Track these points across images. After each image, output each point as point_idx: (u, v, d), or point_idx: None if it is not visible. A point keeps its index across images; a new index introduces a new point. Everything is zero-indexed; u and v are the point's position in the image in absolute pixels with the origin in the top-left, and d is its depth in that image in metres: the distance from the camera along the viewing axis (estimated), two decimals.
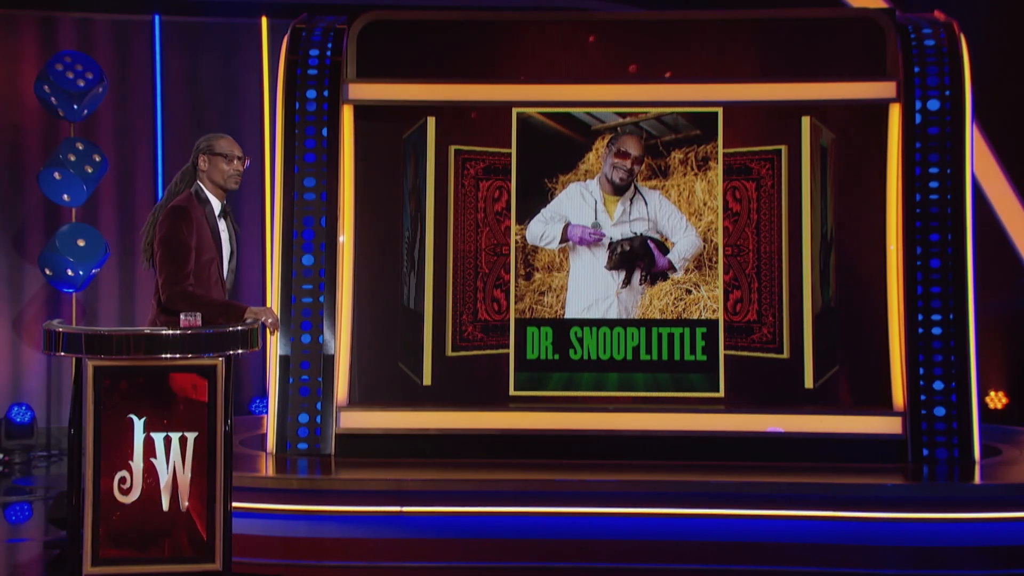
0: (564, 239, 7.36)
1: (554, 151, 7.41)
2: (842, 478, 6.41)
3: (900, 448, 6.91)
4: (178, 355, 4.68)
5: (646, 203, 7.26)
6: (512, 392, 7.29)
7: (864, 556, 6.11)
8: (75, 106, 9.00)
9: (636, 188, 7.33)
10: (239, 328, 4.79)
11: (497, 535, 6.19)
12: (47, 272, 8.98)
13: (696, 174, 7.34)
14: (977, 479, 6.62)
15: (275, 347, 7.04)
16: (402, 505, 6.21)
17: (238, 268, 5.70)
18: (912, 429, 6.90)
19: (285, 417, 7.02)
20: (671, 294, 7.26)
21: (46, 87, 8.98)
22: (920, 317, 6.97)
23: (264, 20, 9.76)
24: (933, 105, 7.09)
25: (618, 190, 7.34)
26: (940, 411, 6.90)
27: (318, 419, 7.02)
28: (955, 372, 6.93)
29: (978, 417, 6.93)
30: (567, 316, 7.33)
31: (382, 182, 7.50)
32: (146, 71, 9.80)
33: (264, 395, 9.00)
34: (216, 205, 5.38)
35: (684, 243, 7.29)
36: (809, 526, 6.15)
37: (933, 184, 7.04)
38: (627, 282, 7.27)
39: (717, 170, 7.32)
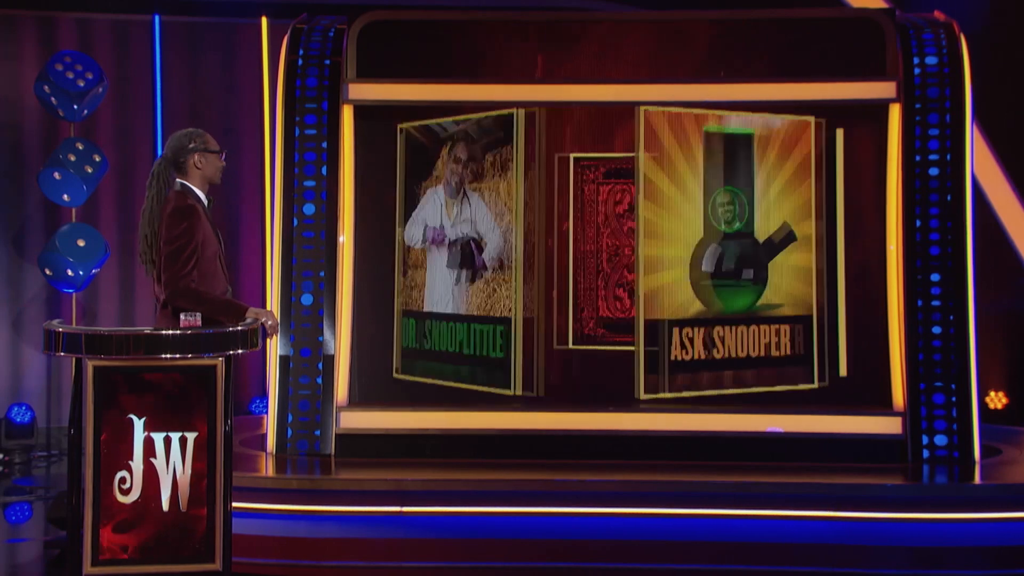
0: (424, 240, 7.51)
1: (418, 159, 7.56)
2: (842, 478, 6.42)
3: (900, 448, 6.91)
4: (178, 355, 4.68)
5: (470, 205, 7.39)
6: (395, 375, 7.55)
7: (864, 556, 6.11)
8: (75, 106, 8.99)
9: (464, 191, 7.42)
10: (239, 328, 4.80)
11: (497, 535, 6.19)
12: (47, 272, 8.97)
13: (501, 176, 7.36)
14: (977, 479, 6.62)
15: (275, 347, 7.04)
16: (402, 505, 6.22)
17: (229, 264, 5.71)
18: (912, 429, 6.90)
19: (285, 417, 7.02)
20: (483, 291, 7.35)
21: (46, 87, 8.97)
22: (920, 317, 6.98)
23: (264, 20, 9.75)
24: (933, 105, 7.10)
25: (454, 193, 7.45)
26: (940, 411, 6.90)
27: (318, 419, 7.02)
28: (955, 372, 6.93)
29: (978, 417, 6.93)
30: (425, 310, 7.55)
31: (382, 182, 7.50)
32: (146, 71, 9.79)
33: (264, 395, 9.00)
34: (205, 201, 5.40)
35: (493, 243, 7.36)
36: (809, 526, 6.15)
37: (933, 184, 7.05)
38: (458, 279, 7.41)
39: (516, 172, 7.34)
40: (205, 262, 5.26)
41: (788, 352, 7.36)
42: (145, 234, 5.33)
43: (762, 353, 7.33)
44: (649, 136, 7.30)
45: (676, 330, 7.21)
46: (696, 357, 7.26)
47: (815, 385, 7.29)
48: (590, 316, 7.64)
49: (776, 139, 7.38)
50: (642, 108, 7.24)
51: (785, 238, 7.35)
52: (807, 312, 7.33)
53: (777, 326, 7.36)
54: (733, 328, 7.32)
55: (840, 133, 7.40)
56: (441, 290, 7.51)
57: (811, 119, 7.36)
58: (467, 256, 7.45)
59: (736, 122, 7.37)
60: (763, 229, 7.39)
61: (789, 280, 7.36)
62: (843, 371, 7.28)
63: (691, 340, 7.26)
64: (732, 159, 7.38)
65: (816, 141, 7.34)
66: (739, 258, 7.37)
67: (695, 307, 7.29)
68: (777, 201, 7.37)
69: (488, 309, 7.36)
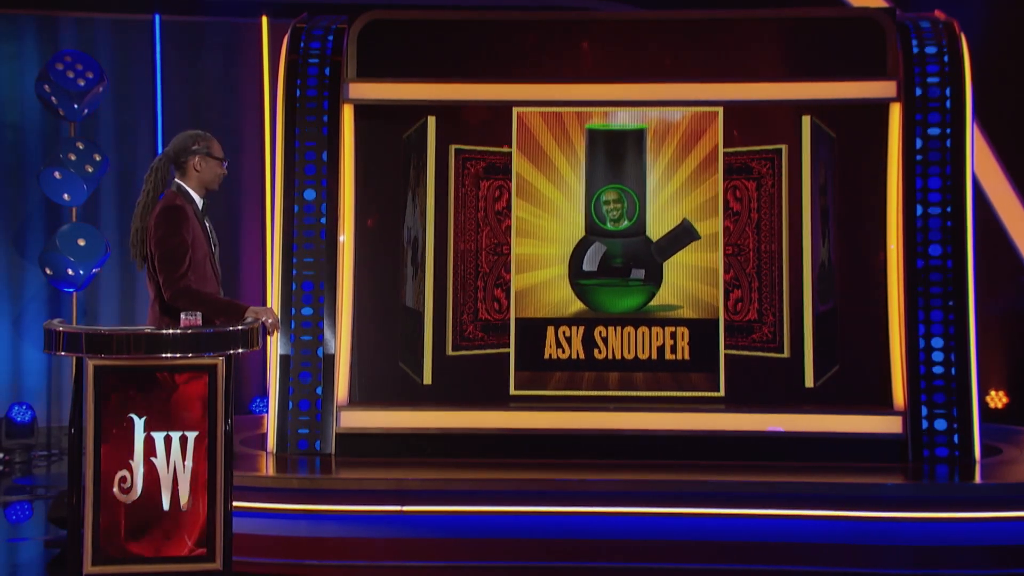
0: None
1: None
2: (842, 478, 6.41)
3: (900, 448, 6.91)
4: (178, 354, 4.68)
5: None
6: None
7: (864, 556, 6.11)
8: (75, 106, 9.00)
9: None
10: (239, 328, 4.79)
11: (497, 535, 6.19)
12: (47, 271, 8.98)
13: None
14: (977, 479, 6.62)
15: (275, 347, 7.04)
16: (402, 505, 6.21)
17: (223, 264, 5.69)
18: (912, 429, 6.90)
19: (285, 417, 7.02)
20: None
21: (46, 87, 8.98)
22: (920, 317, 6.97)
23: (264, 20, 9.75)
24: (933, 105, 7.10)
25: None
26: (940, 411, 6.90)
27: (318, 419, 7.02)
28: (955, 372, 6.93)
29: (978, 417, 6.93)
30: None
31: (382, 182, 7.50)
32: (146, 71, 9.79)
33: (264, 395, 9.00)
34: (199, 203, 5.38)
35: None
36: (809, 526, 6.15)
37: (933, 184, 7.05)
38: None
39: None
40: (194, 264, 5.24)
41: (686, 356, 7.31)
42: (136, 228, 5.34)
43: (653, 356, 7.32)
44: (525, 135, 7.33)
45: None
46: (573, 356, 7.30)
47: (720, 393, 7.25)
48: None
49: (675, 133, 7.38)
50: (515, 109, 7.33)
51: (681, 235, 7.29)
52: (710, 315, 7.31)
53: (673, 328, 7.32)
54: (618, 328, 7.31)
55: (836, 132, 7.39)
56: None
57: (718, 110, 7.34)
58: None
59: (625, 117, 7.37)
60: (657, 227, 7.37)
61: (688, 280, 7.35)
62: (843, 372, 7.27)
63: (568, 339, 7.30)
64: (619, 156, 7.36)
65: (813, 140, 7.33)
66: (626, 257, 7.35)
67: (575, 306, 7.34)
68: (675, 198, 7.36)
69: None
